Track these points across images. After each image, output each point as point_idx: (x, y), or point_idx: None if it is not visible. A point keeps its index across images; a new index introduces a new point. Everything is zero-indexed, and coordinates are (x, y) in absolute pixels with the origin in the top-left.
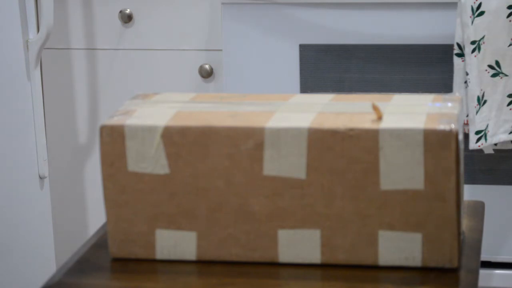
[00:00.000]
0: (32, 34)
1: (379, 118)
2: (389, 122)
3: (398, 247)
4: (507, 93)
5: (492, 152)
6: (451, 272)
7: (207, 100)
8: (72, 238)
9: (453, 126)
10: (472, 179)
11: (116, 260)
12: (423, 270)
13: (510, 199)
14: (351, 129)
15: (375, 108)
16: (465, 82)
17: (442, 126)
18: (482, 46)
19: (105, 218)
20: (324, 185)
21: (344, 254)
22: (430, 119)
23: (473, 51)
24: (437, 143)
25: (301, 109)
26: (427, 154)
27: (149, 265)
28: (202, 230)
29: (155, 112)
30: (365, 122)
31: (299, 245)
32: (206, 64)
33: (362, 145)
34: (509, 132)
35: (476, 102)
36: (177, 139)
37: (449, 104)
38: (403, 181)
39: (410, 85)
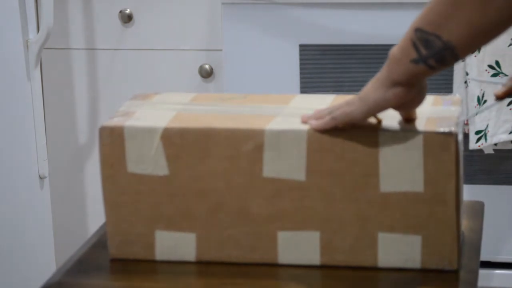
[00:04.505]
0: (32, 34)
1: (379, 121)
2: (389, 124)
3: (398, 249)
4: None
5: (492, 152)
6: (451, 272)
7: (207, 102)
8: (72, 238)
9: (453, 129)
10: (472, 179)
11: (116, 260)
12: (423, 271)
13: (510, 199)
14: (351, 131)
15: None
16: (465, 82)
17: (442, 129)
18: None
19: (105, 218)
20: (323, 187)
21: (343, 256)
22: (429, 122)
23: None
24: (437, 146)
25: (302, 112)
26: (427, 156)
27: (149, 265)
28: (201, 232)
29: (155, 113)
30: (365, 124)
31: (299, 246)
32: (206, 64)
33: (362, 148)
34: (509, 132)
35: (476, 102)
36: (176, 141)
37: (449, 107)
38: (403, 184)
39: None
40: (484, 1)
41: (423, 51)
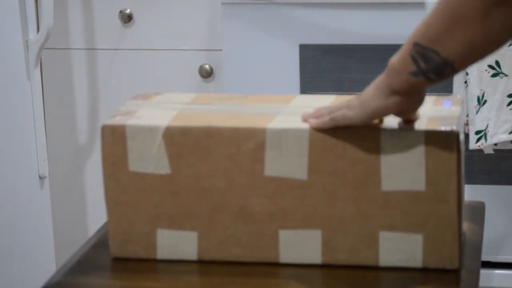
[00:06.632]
0: (32, 34)
1: (381, 121)
2: (390, 123)
3: (399, 248)
4: (507, 93)
5: (492, 152)
6: (451, 272)
7: (208, 102)
8: (72, 238)
9: (454, 127)
10: (472, 179)
11: (117, 259)
12: (424, 270)
13: (510, 199)
14: (353, 130)
15: None
16: (465, 82)
17: (444, 128)
18: None
19: (106, 218)
20: (325, 186)
21: (345, 255)
22: (431, 121)
23: None
24: (438, 144)
25: (303, 111)
26: (428, 155)
27: (150, 264)
28: (203, 230)
29: (157, 112)
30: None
31: (300, 245)
32: (206, 64)
33: (363, 146)
34: (509, 132)
35: (476, 102)
36: (178, 139)
37: (450, 107)
38: (404, 182)
39: None
40: (483, 18)
41: (422, 65)
